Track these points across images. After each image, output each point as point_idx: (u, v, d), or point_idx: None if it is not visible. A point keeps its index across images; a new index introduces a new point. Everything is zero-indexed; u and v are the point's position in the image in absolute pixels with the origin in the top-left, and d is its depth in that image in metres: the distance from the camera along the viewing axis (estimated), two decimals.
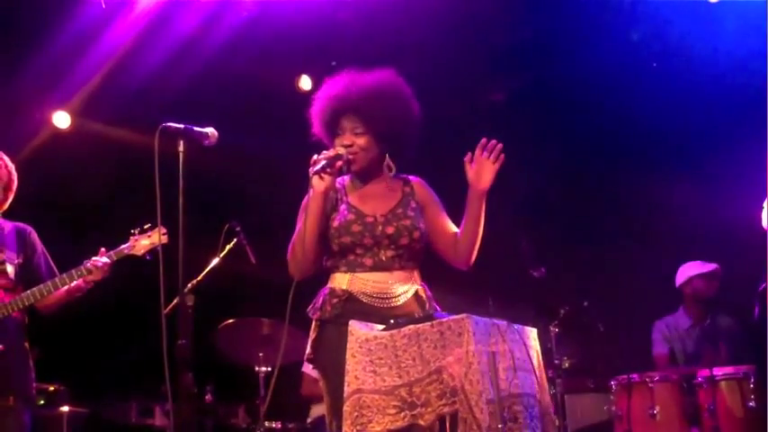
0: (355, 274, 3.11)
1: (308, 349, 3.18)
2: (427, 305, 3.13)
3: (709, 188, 6.12)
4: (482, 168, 3.10)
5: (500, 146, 3.09)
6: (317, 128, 3.28)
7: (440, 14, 5.75)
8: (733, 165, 5.77)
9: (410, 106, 3.24)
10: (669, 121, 6.22)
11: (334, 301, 3.10)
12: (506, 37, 6.18)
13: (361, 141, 3.17)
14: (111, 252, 4.08)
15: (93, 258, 4.02)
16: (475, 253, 3.19)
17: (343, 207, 3.18)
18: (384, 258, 3.11)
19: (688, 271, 5.92)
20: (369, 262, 3.11)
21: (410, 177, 3.33)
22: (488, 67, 6.43)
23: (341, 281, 3.13)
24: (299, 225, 3.17)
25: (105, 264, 4.03)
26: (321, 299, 3.14)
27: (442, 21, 5.82)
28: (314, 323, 3.16)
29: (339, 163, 3.11)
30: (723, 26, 5.79)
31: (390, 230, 3.11)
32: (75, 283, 4.04)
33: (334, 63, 6.34)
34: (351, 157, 3.16)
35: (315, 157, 3.08)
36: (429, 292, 3.20)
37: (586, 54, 6.10)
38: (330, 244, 3.14)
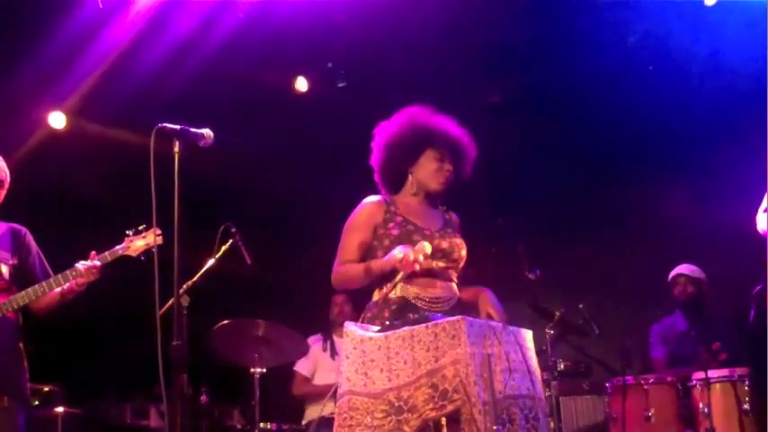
0: (408, 281, 3.21)
1: None
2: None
3: (706, 191, 6.12)
4: None
5: None
6: (403, 138, 3.44)
7: (437, 16, 5.75)
8: (730, 168, 5.78)
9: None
10: (666, 124, 6.22)
11: (393, 307, 3.20)
12: (504, 39, 6.18)
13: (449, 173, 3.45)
14: (106, 253, 4.06)
15: (83, 262, 4.01)
16: None
17: (399, 219, 3.34)
18: (436, 268, 3.27)
19: (674, 270, 5.94)
20: (422, 270, 3.20)
21: (450, 211, 3.58)
22: (485, 69, 6.43)
23: (392, 290, 3.21)
24: (350, 239, 3.34)
25: (95, 267, 4.01)
26: (375, 309, 3.25)
27: (439, 23, 5.82)
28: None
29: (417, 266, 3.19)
30: (719, 29, 5.79)
31: (445, 245, 3.30)
32: (66, 285, 4.03)
33: (330, 64, 6.37)
34: (444, 179, 3.43)
35: (411, 255, 3.08)
36: None
37: (583, 57, 6.10)
38: (383, 253, 3.26)
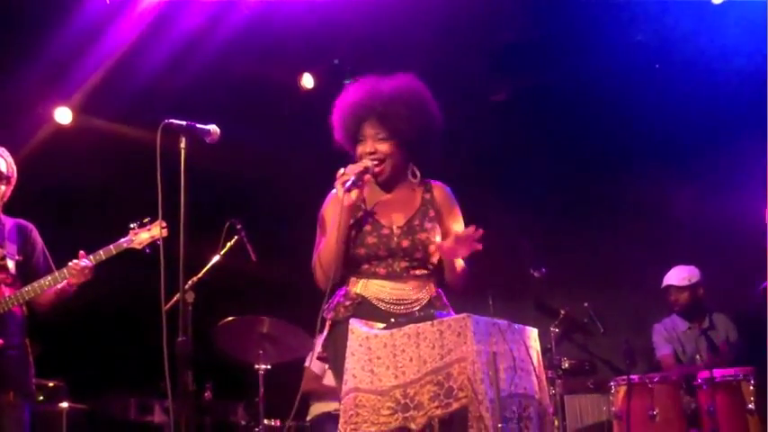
0: (369, 281, 3.14)
1: (320, 348, 3.21)
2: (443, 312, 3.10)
3: (713, 189, 6.11)
4: (462, 246, 3.03)
5: (480, 233, 3.00)
6: (338, 135, 3.27)
7: (442, 14, 5.74)
8: (738, 167, 5.76)
9: (432, 110, 3.22)
10: (672, 122, 6.21)
11: (347, 303, 3.13)
12: (508, 37, 6.18)
13: (384, 148, 3.17)
14: (100, 251, 4.05)
15: (74, 261, 4.01)
16: (464, 288, 3.20)
17: (360, 215, 3.17)
18: (398, 269, 3.13)
19: (664, 281, 5.90)
20: (382, 271, 3.13)
21: (433, 182, 3.30)
22: (490, 67, 6.42)
23: (355, 285, 3.15)
24: (320, 237, 3.18)
25: (85, 267, 4.00)
26: (336, 300, 3.16)
27: (444, 20, 5.82)
28: (327, 323, 3.17)
29: (367, 176, 3.10)
30: (727, 28, 5.77)
31: (405, 244, 3.13)
32: (60, 285, 4.03)
33: (336, 61, 6.37)
34: (376, 165, 3.14)
35: (341, 170, 3.07)
36: (445, 300, 3.20)
37: (589, 55, 6.09)
38: (352, 246, 3.14)
